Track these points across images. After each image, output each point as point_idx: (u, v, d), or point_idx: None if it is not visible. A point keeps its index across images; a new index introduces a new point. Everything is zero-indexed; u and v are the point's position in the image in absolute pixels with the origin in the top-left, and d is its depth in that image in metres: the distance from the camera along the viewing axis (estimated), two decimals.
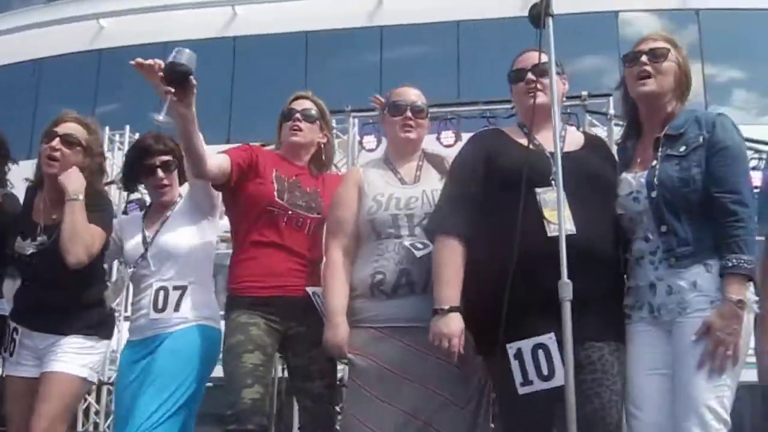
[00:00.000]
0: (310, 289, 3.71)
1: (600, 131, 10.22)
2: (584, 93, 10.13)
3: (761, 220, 3.25)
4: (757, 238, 3.30)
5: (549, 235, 3.00)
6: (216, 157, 3.67)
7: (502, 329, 2.92)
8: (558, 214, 2.92)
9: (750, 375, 3.25)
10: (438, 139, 10.01)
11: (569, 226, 2.98)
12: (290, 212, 3.77)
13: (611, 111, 10.14)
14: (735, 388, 2.95)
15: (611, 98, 9.82)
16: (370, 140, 10.52)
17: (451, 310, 3.13)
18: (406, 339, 3.37)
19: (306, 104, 3.99)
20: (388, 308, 3.43)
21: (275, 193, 3.77)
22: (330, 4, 19.07)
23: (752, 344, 3.10)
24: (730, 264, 2.92)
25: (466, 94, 13.93)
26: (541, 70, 3.26)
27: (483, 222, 3.21)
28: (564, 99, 3.45)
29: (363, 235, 3.59)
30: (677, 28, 18.44)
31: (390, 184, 3.66)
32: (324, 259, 3.68)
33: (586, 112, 10.26)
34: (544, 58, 3.22)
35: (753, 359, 3.21)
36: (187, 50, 3.27)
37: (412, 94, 3.76)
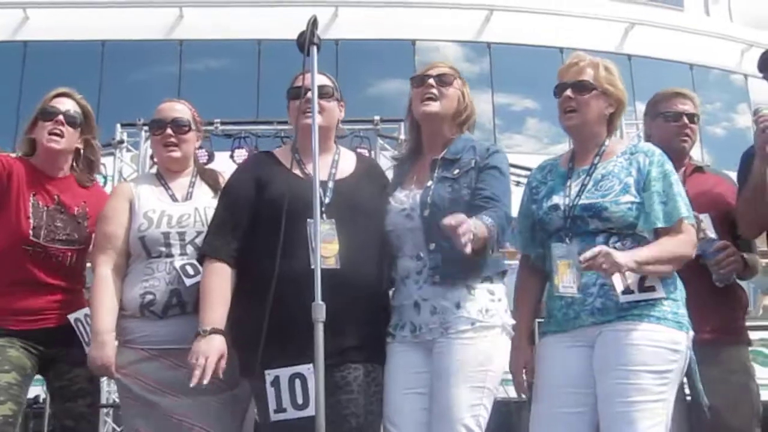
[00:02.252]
0: (71, 317, 3.58)
1: (391, 155, 10.47)
2: (377, 117, 10.32)
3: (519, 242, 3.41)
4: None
5: (312, 266, 2.97)
6: None
7: (260, 355, 2.95)
8: (316, 240, 2.95)
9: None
10: (231, 156, 9.91)
11: (333, 262, 3.01)
12: (49, 249, 3.57)
13: (402, 136, 10.41)
14: (490, 407, 3.08)
15: (402, 123, 10.05)
16: None
17: (213, 331, 3.11)
18: (175, 359, 3.32)
19: (69, 105, 3.69)
20: (159, 329, 3.38)
21: (30, 232, 3.53)
22: (129, 15, 18.58)
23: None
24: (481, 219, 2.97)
25: (265, 113, 13.88)
26: (320, 93, 3.25)
27: (253, 247, 3.21)
28: (339, 123, 3.48)
29: (133, 253, 3.50)
30: (473, 59, 19.33)
31: (161, 200, 3.57)
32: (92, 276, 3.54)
33: (378, 136, 10.46)
34: (325, 80, 3.31)
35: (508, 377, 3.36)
36: None
37: (175, 110, 3.63)
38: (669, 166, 3.19)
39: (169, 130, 3.58)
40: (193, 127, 3.65)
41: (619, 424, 2.93)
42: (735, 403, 3.55)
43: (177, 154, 3.61)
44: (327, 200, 3.18)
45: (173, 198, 3.60)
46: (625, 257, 2.88)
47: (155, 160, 3.95)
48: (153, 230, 3.46)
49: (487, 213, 3.01)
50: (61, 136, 3.62)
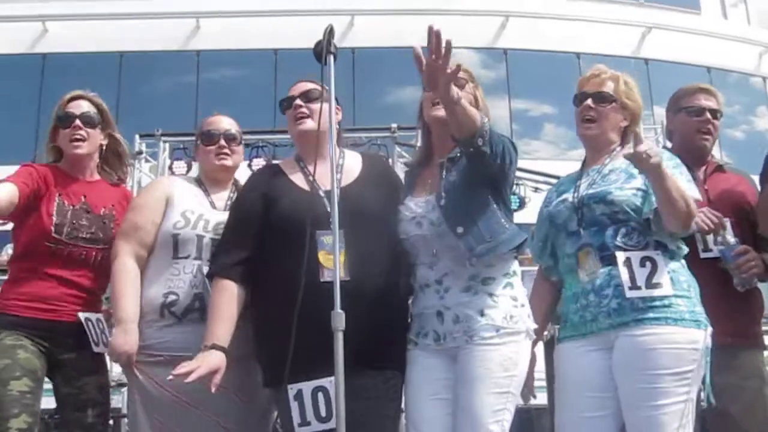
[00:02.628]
0: (82, 315, 3.53)
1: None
2: (394, 125, 10.33)
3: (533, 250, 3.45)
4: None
5: (322, 280, 3.02)
6: (4, 191, 3.42)
7: (287, 368, 2.93)
8: (334, 251, 2.94)
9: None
10: (249, 166, 9.93)
11: (342, 274, 2.97)
12: (71, 247, 3.57)
13: (419, 143, 10.40)
14: (513, 411, 3.07)
15: (420, 131, 10.04)
16: (180, 165, 10.28)
17: (214, 347, 3.10)
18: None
19: (84, 106, 3.71)
20: (177, 336, 3.37)
21: (53, 228, 3.53)
22: (146, 26, 18.70)
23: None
24: None
25: (283, 122, 13.90)
26: (309, 97, 3.32)
27: (266, 262, 3.21)
28: (339, 126, 3.43)
29: (159, 249, 3.48)
30: (489, 65, 19.34)
31: (201, 204, 3.58)
32: (113, 262, 3.49)
33: (395, 144, 10.47)
34: (310, 85, 3.34)
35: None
36: None
37: (225, 122, 3.72)
38: (677, 160, 3.23)
39: (222, 141, 3.65)
40: (241, 140, 3.75)
41: (647, 429, 2.95)
42: (751, 408, 3.54)
43: (229, 162, 3.67)
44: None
45: (212, 205, 3.61)
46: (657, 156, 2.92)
47: (174, 171, 3.97)
48: (188, 230, 3.46)
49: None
50: (83, 139, 3.66)
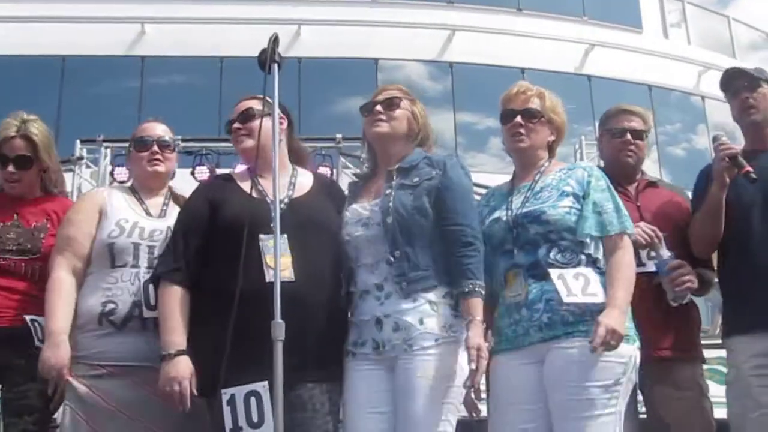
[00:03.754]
0: (29, 317, 3.52)
1: (354, 173, 10.50)
2: (339, 136, 10.36)
3: None
4: None
5: (267, 280, 3.04)
6: None
7: (223, 372, 2.93)
8: (275, 255, 2.96)
9: None
10: (192, 173, 9.87)
11: (288, 274, 3.03)
12: (1, 260, 3.61)
13: (364, 154, 10.42)
14: (455, 422, 3.10)
15: (365, 146, 10.05)
16: (121, 171, 10.11)
17: (178, 353, 3.12)
18: (135, 378, 3.30)
19: (18, 145, 3.79)
20: (117, 346, 3.35)
21: None
22: (90, 30, 18.41)
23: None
24: (467, 289, 3.09)
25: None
26: (247, 116, 3.41)
27: (209, 266, 3.22)
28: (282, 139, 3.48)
29: (96, 260, 3.48)
30: (436, 77, 19.45)
31: (136, 212, 3.58)
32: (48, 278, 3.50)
33: (340, 154, 10.48)
34: (251, 103, 3.41)
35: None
36: None
37: (159, 129, 3.72)
38: (607, 181, 3.33)
39: (155, 147, 3.65)
40: (174, 147, 3.77)
41: None
42: (688, 420, 3.59)
43: (162, 168, 3.68)
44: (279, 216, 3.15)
45: (147, 213, 3.61)
46: (617, 320, 2.99)
47: (115, 176, 3.99)
48: (124, 239, 3.46)
49: (473, 268, 3.11)
50: (18, 181, 3.77)
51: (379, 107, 3.38)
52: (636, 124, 3.98)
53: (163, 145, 3.68)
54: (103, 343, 3.36)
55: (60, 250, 3.51)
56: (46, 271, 3.55)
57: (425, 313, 3.12)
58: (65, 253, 3.47)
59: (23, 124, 3.79)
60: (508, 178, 3.58)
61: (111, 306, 3.37)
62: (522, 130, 3.39)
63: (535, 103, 3.42)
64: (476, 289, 3.09)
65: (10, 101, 16.86)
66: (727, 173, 3.54)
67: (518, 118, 3.39)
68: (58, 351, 3.29)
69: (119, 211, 3.55)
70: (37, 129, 3.81)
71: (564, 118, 3.49)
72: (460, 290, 3.11)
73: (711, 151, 3.61)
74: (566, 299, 3.07)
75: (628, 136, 3.94)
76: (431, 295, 3.15)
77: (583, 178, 3.29)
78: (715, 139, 3.61)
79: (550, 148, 3.48)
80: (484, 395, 3.14)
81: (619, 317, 3.01)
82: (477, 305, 3.08)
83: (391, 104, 3.38)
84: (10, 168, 3.75)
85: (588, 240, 3.20)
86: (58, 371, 3.28)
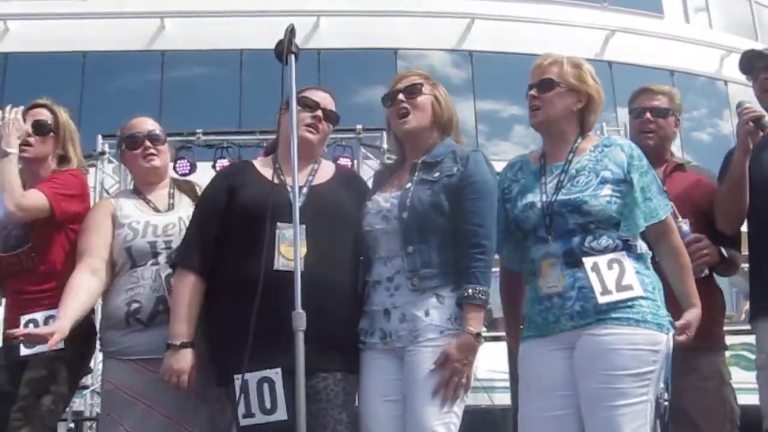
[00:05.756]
0: (24, 318, 3.57)
1: (374, 164, 10.47)
2: (359, 126, 10.33)
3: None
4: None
5: (275, 268, 3.06)
6: None
7: (246, 358, 2.92)
8: (294, 246, 2.96)
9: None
10: (214, 166, 9.89)
11: (301, 266, 2.99)
12: (10, 258, 3.69)
13: (384, 145, 10.42)
14: (461, 413, 3.09)
15: (385, 132, 10.04)
16: None
17: (183, 345, 3.15)
18: (159, 368, 3.31)
19: (42, 113, 3.82)
20: (146, 339, 3.40)
21: None
22: (110, 26, 18.50)
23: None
24: (467, 294, 3.06)
25: (248, 123, 13.87)
26: (326, 114, 3.42)
27: (225, 253, 3.23)
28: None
29: (118, 265, 3.53)
30: (457, 64, 19.39)
31: (143, 211, 3.61)
32: None
33: (361, 145, 10.46)
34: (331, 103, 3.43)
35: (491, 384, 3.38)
36: None
37: (148, 123, 3.74)
38: (646, 160, 3.25)
39: (147, 142, 3.66)
40: (165, 139, 3.78)
41: (603, 429, 2.96)
42: (709, 410, 3.57)
43: (158, 162, 3.69)
44: (299, 204, 3.11)
45: (155, 209, 3.64)
46: (693, 313, 3.15)
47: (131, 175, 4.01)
48: (139, 240, 3.50)
49: (477, 272, 3.08)
50: (31, 146, 3.75)
51: (401, 96, 3.33)
52: (659, 102, 3.92)
53: (154, 139, 3.70)
54: (132, 338, 3.43)
55: (79, 255, 3.54)
56: (50, 259, 3.66)
57: (432, 305, 3.11)
58: (84, 257, 3.51)
59: (54, 104, 3.86)
60: None
61: (136, 305, 3.43)
62: (537, 103, 3.30)
63: (551, 73, 3.30)
64: (477, 295, 3.06)
65: (32, 98, 16.97)
66: (750, 137, 3.49)
67: (533, 91, 3.30)
68: (57, 324, 3.28)
69: (129, 214, 3.59)
70: (64, 111, 3.87)
71: (593, 83, 3.31)
72: (461, 293, 3.08)
73: (734, 135, 3.57)
74: (601, 299, 3.02)
75: (647, 114, 3.89)
76: (439, 290, 3.13)
77: (623, 159, 3.18)
78: (739, 105, 3.56)
79: (583, 120, 3.34)
80: (501, 383, 3.13)
81: (692, 313, 3.14)
82: (474, 316, 3.06)
83: (413, 91, 3.33)
84: (28, 129, 3.75)
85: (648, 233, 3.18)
86: (49, 340, 3.24)
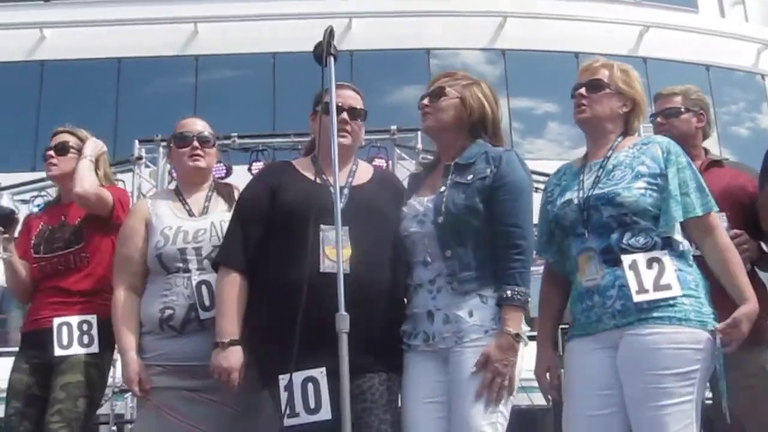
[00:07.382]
0: (56, 321, 3.77)
1: (409, 164, 10.48)
2: (393, 127, 10.34)
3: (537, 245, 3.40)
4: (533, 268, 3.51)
5: (321, 270, 3.07)
6: None
7: (294, 358, 2.93)
8: (337, 248, 2.97)
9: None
10: (249, 170, 9.94)
11: (344, 267, 3.00)
12: (53, 258, 3.91)
13: (419, 145, 10.42)
14: (508, 414, 3.08)
15: (419, 132, 10.05)
16: None
17: (231, 343, 3.16)
18: (195, 376, 3.38)
19: (61, 138, 4.08)
20: (178, 347, 3.44)
21: (32, 249, 4.00)
22: (144, 32, 18.66)
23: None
24: (506, 295, 3.05)
25: (282, 126, 13.93)
26: (355, 114, 3.43)
27: (267, 254, 3.24)
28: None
29: (152, 270, 3.57)
30: (491, 62, 19.34)
31: (178, 216, 3.64)
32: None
33: (395, 146, 10.47)
34: (359, 102, 3.44)
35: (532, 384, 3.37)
36: (4, 193, 3.73)
37: (198, 125, 3.80)
38: (687, 157, 3.24)
39: (195, 143, 3.73)
40: (214, 143, 3.84)
41: (649, 430, 2.94)
42: (754, 407, 3.52)
43: (203, 163, 3.75)
44: (342, 206, 3.12)
45: (190, 213, 3.67)
46: (745, 309, 3.08)
47: (174, 175, 4.22)
48: (169, 247, 3.53)
49: (515, 273, 3.08)
50: (55, 165, 4.07)
51: (425, 101, 3.35)
52: (670, 104, 3.97)
53: (203, 141, 3.75)
54: (165, 344, 3.47)
55: (116, 269, 3.67)
56: (96, 260, 3.91)
57: (475, 305, 3.10)
58: (121, 273, 3.63)
59: (73, 127, 4.18)
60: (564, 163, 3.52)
61: (169, 312, 3.46)
62: (584, 101, 3.33)
63: (601, 74, 3.34)
64: (516, 296, 3.06)
65: (69, 105, 17.24)
66: None
67: (582, 90, 3.33)
68: (129, 369, 3.46)
69: (163, 220, 3.62)
70: (85, 131, 4.17)
71: (639, 88, 3.37)
72: (500, 295, 3.08)
73: None
74: (636, 298, 3.00)
75: (659, 119, 3.98)
76: (482, 290, 3.12)
77: (659, 155, 3.18)
78: None
79: (627, 123, 3.36)
80: (527, 383, 3.13)
81: (745, 311, 3.07)
82: (513, 317, 3.05)
83: (437, 94, 3.34)
84: (50, 152, 4.08)
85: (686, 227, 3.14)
86: (132, 384, 3.45)
